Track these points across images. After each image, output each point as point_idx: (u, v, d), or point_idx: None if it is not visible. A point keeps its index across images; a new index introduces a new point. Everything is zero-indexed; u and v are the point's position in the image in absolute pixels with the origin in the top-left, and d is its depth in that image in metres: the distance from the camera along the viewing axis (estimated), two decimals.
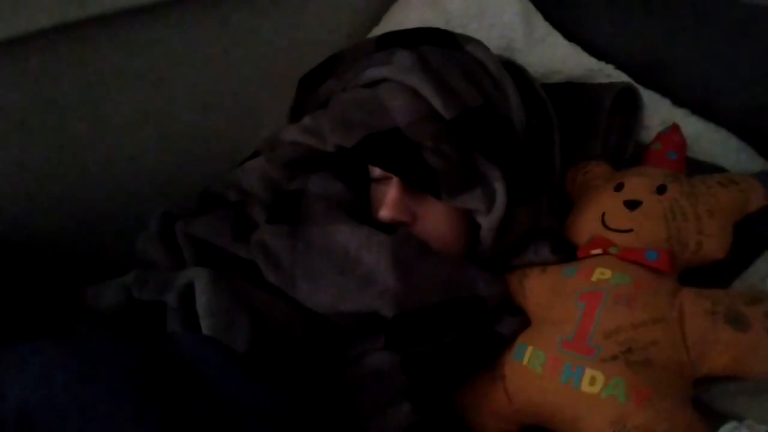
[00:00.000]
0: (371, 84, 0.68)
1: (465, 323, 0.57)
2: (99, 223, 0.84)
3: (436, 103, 0.63)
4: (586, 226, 0.64)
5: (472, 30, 0.92)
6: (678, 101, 0.78)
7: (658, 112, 0.77)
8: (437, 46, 0.69)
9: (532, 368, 0.52)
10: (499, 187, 0.61)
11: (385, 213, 0.61)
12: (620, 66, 0.82)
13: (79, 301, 0.66)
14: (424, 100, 0.64)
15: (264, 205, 0.69)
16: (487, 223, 0.61)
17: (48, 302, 0.65)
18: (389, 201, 0.61)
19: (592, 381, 0.47)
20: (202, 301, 0.55)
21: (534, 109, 0.70)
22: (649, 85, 0.80)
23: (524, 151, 0.66)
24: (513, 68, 0.72)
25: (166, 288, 0.58)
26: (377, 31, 1.00)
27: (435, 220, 0.63)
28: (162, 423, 0.37)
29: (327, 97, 0.74)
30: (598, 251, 0.58)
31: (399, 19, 0.99)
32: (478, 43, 0.71)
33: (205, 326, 0.54)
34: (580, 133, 0.76)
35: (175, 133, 0.88)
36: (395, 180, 0.62)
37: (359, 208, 0.64)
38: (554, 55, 0.87)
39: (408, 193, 0.62)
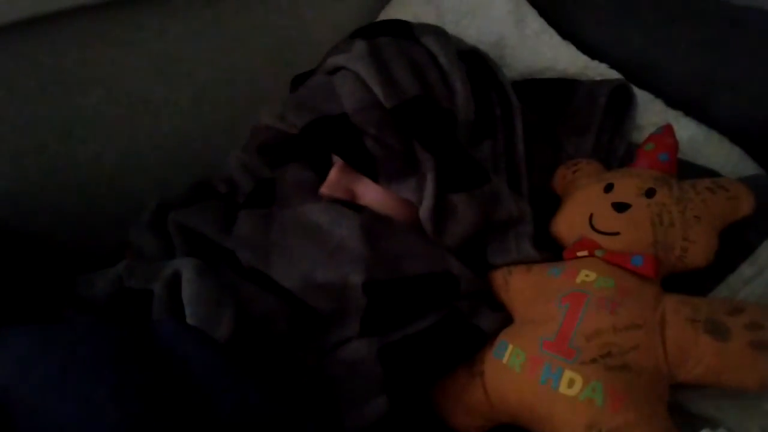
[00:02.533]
0: (334, 70, 0.71)
1: (439, 301, 0.59)
2: (93, 214, 0.85)
3: (378, 92, 0.66)
4: (573, 225, 0.64)
5: (464, 26, 0.93)
6: (671, 102, 0.78)
7: (651, 113, 0.77)
8: (393, 37, 0.71)
9: (511, 367, 0.52)
10: (430, 176, 0.64)
11: (323, 190, 0.66)
12: (614, 65, 0.82)
13: (71, 289, 0.69)
14: (371, 89, 0.66)
15: (245, 194, 0.73)
16: (420, 211, 0.64)
17: (40, 289, 0.67)
18: (328, 179, 0.67)
19: (571, 383, 0.48)
20: (187, 290, 0.56)
21: (496, 99, 0.72)
22: (642, 85, 0.80)
23: (470, 144, 0.68)
24: (475, 58, 0.73)
25: (154, 277, 0.60)
26: None
27: (375, 202, 0.67)
28: (138, 404, 0.37)
29: None
30: (584, 253, 0.59)
31: (394, 16, 0.99)
32: (437, 35, 0.72)
33: (189, 314, 0.55)
34: (573, 129, 0.76)
35: (172, 126, 0.89)
36: (338, 161, 0.68)
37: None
38: (547, 52, 0.87)
39: (350, 175, 0.67)
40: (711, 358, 0.46)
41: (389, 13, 1.01)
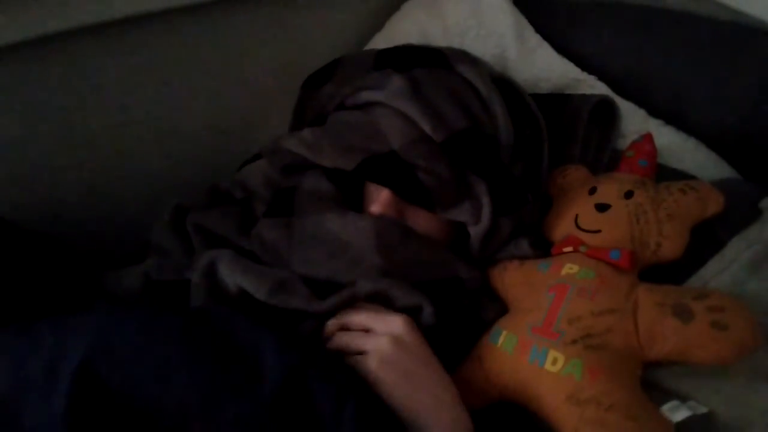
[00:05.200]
0: (366, 104, 0.74)
1: (446, 302, 0.63)
2: (115, 216, 0.90)
3: (426, 127, 0.68)
4: (561, 226, 0.71)
5: (470, 39, 0.98)
6: (653, 112, 0.84)
7: (634, 122, 0.84)
8: (428, 68, 0.74)
9: (504, 350, 0.59)
10: (486, 202, 0.68)
11: (375, 209, 0.67)
12: (602, 77, 0.89)
13: (99, 284, 0.73)
14: (416, 124, 0.69)
15: (266, 203, 0.74)
16: (474, 232, 0.68)
17: (70, 284, 0.70)
18: (382, 203, 0.67)
19: (554, 361, 0.54)
20: (237, 266, 0.60)
21: (525, 121, 0.76)
22: (627, 96, 0.86)
23: (509, 166, 0.72)
24: (504, 83, 0.77)
25: (188, 268, 0.64)
26: (379, 38, 1.06)
27: (422, 224, 0.69)
28: (206, 370, 0.44)
29: (325, 101, 0.80)
30: (570, 249, 0.65)
31: (399, 28, 1.05)
32: (469, 62, 0.75)
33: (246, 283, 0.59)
34: (562, 139, 0.83)
35: (185, 132, 0.95)
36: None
37: (345, 201, 0.70)
38: (543, 65, 0.93)
39: (403, 201, 0.68)
40: (676, 337, 0.53)
41: (394, 25, 1.05)
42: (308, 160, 0.71)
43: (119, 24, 0.78)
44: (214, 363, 0.46)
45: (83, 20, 0.74)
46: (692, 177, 0.74)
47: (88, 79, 0.81)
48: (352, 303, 0.60)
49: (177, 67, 0.89)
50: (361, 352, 0.55)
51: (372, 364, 0.53)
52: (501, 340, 0.60)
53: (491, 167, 0.70)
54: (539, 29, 0.96)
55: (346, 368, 0.54)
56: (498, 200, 0.68)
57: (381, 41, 1.04)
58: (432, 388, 0.54)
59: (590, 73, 0.90)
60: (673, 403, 0.53)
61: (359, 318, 0.58)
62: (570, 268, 0.62)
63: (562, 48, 0.93)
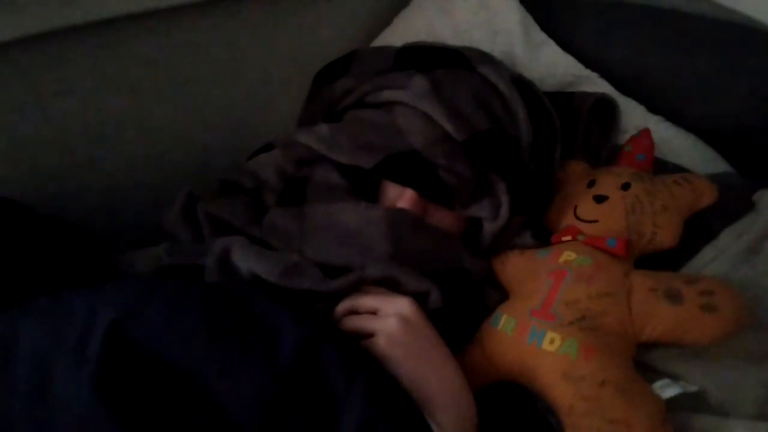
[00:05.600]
0: (387, 103, 0.76)
1: (452, 292, 0.65)
2: (127, 205, 0.93)
3: (448, 127, 0.70)
4: (561, 217, 0.74)
5: (478, 37, 1.00)
6: (653, 108, 0.87)
7: (634, 118, 0.86)
8: (449, 69, 0.75)
9: (504, 332, 0.62)
10: (505, 201, 0.70)
11: (402, 205, 0.68)
12: (604, 74, 0.91)
13: (112, 267, 0.75)
14: (438, 124, 0.71)
15: (276, 193, 0.76)
16: (489, 228, 0.71)
17: (86, 266, 0.72)
18: (407, 198, 0.69)
19: (552, 341, 0.57)
20: (249, 251, 0.63)
21: (541, 120, 0.78)
22: (628, 93, 0.89)
23: (528, 166, 0.75)
24: (522, 83, 0.78)
25: (202, 254, 0.66)
26: (388, 32, 1.07)
27: (440, 219, 0.71)
28: (227, 341, 0.48)
29: (340, 95, 0.82)
30: (568, 238, 0.68)
31: (408, 24, 1.06)
32: (489, 63, 0.77)
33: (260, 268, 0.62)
34: (564, 135, 0.85)
35: (195, 124, 0.97)
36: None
37: (355, 192, 0.71)
38: (549, 62, 0.95)
39: (425, 199, 0.70)
40: (668, 319, 0.56)
41: (404, 20, 1.07)
42: (322, 155, 0.73)
43: (134, 18, 0.81)
44: (233, 332, 0.49)
45: (101, 14, 0.77)
46: (686, 170, 0.77)
47: (101, 72, 0.84)
48: (360, 286, 0.62)
49: (188, 61, 0.91)
50: (371, 335, 0.58)
51: (381, 343, 0.56)
52: (501, 322, 0.63)
53: (512, 167, 0.72)
54: (544, 27, 0.98)
55: (357, 344, 0.57)
56: (516, 199, 0.71)
57: (390, 36, 1.06)
58: (437, 367, 0.57)
59: (593, 70, 0.93)
60: (665, 381, 0.56)
61: (367, 300, 0.61)
62: (568, 256, 0.65)
63: (565, 45, 0.96)
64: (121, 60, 0.84)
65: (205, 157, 1.00)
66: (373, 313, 0.60)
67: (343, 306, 0.62)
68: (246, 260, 0.63)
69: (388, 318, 0.57)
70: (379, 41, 1.07)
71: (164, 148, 0.96)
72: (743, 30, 0.85)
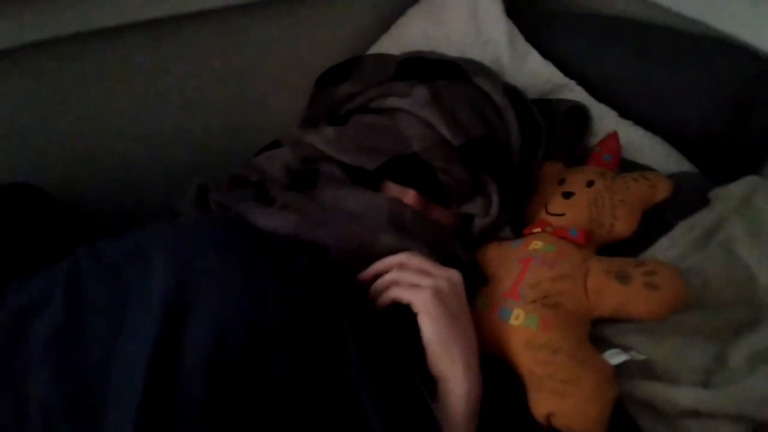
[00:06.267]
0: (390, 109, 0.83)
1: None
2: (143, 197, 1.01)
3: (446, 133, 0.77)
4: (535, 212, 0.82)
5: (470, 44, 1.08)
6: (624, 113, 0.95)
7: (607, 122, 0.94)
8: (448, 80, 0.83)
9: (481, 310, 0.70)
10: (495, 200, 0.78)
11: (408, 201, 0.75)
12: (581, 82, 0.99)
13: None
14: (436, 130, 0.78)
15: (282, 186, 0.81)
16: (480, 224, 0.79)
17: None
18: (410, 197, 0.76)
19: (517, 317, 0.65)
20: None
21: (528, 126, 0.86)
22: (602, 99, 0.97)
23: (516, 168, 0.83)
24: (513, 92, 0.86)
25: None
26: (385, 40, 1.15)
27: (439, 216, 0.79)
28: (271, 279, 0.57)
29: (342, 99, 0.89)
30: (538, 230, 0.76)
31: (404, 32, 1.13)
32: (484, 74, 0.85)
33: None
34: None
35: (204, 122, 1.06)
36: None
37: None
38: (532, 70, 1.03)
39: (425, 198, 0.78)
40: (617, 296, 0.64)
41: (400, 29, 1.13)
42: (327, 155, 0.79)
43: (152, 24, 0.89)
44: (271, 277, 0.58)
45: (117, 20, 0.86)
46: (650, 169, 0.85)
47: (117, 74, 0.92)
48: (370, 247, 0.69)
49: (198, 64, 0.99)
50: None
51: (426, 296, 0.61)
52: (479, 303, 0.72)
53: (503, 170, 0.81)
54: (528, 37, 1.07)
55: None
56: (505, 199, 0.79)
57: (387, 43, 1.14)
58: (463, 339, 0.62)
59: (571, 78, 1.01)
60: (615, 350, 0.64)
61: (419, 261, 0.66)
62: (536, 245, 0.73)
63: (546, 54, 1.04)
64: (130, 64, 0.93)
65: (206, 150, 1.08)
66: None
67: (393, 260, 0.67)
68: (262, 216, 0.70)
69: (439, 278, 0.64)
70: (376, 48, 1.15)
71: (171, 144, 1.04)
72: (708, 42, 0.93)
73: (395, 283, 0.65)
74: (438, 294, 0.62)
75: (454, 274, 0.65)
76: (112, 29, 0.86)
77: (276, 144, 0.90)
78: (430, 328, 0.61)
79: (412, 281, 0.63)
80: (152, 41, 0.92)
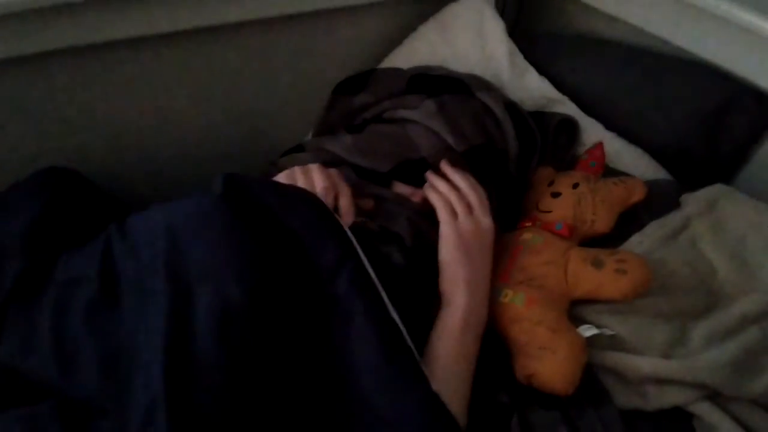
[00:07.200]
0: (402, 119, 0.93)
1: None
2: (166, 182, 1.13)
3: (450, 140, 0.87)
4: (527, 208, 0.94)
5: (474, 61, 1.19)
6: (609, 126, 1.06)
7: (593, 133, 1.06)
8: (454, 95, 0.93)
9: None
10: (492, 202, 0.84)
11: (416, 199, 0.85)
12: (572, 97, 1.11)
13: None
14: (442, 138, 0.88)
15: None
16: None
17: None
18: (419, 195, 0.85)
19: (506, 295, 0.76)
20: None
21: (525, 137, 0.97)
22: (590, 113, 1.08)
23: (513, 174, 0.93)
24: (512, 106, 0.96)
25: None
26: (396, 54, 1.25)
27: None
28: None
29: (358, 108, 1.00)
30: (529, 224, 0.88)
31: (415, 47, 1.24)
32: (486, 89, 0.95)
33: None
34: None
35: (227, 127, 1.16)
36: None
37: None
38: (529, 86, 1.14)
39: None
40: (591, 280, 0.75)
41: (410, 44, 1.24)
42: (344, 159, 0.89)
43: (202, 31, 1.00)
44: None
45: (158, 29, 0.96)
46: (629, 176, 0.96)
47: (151, 80, 1.03)
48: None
49: (222, 73, 1.09)
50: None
51: (454, 226, 0.75)
52: None
53: (500, 176, 0.92)
54: (526, 56, 1.18)
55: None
56: (500, 203, 0.89)
57: (398, 57, 1.24)
58: (471, 269, 0.73)
59: (564, 93, 1.12)
60: (588, 326, 0.75)
61: (473, 196, 0.80)
62: (526, 236, 0.84)
63: (543, 72, 1.15)
64: (166, 71, 1.03)
65: (226, 149, 1.18)
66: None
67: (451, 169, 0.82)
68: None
69: (473, 219, 0.77)
70: (388, 61, 1.25)
71: (197, 141, 1.15)
72: (685, 64, 1.03)
73: (441, 195, 0.79)
74: (463, 229, 0.75)
75: (486, 223, 0.78)
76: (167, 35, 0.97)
77: (300, 148, 1.00)
78: (445, 250, 0.74)
79: (454, 206, 0.78)
80: (200, 47, 1.03)
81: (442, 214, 0.77)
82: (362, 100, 1.01)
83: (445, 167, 0.84)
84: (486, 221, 0.78)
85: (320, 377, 0.61)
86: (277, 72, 1.16)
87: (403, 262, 0.76)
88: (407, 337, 0.63)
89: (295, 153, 0.98)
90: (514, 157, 0.93)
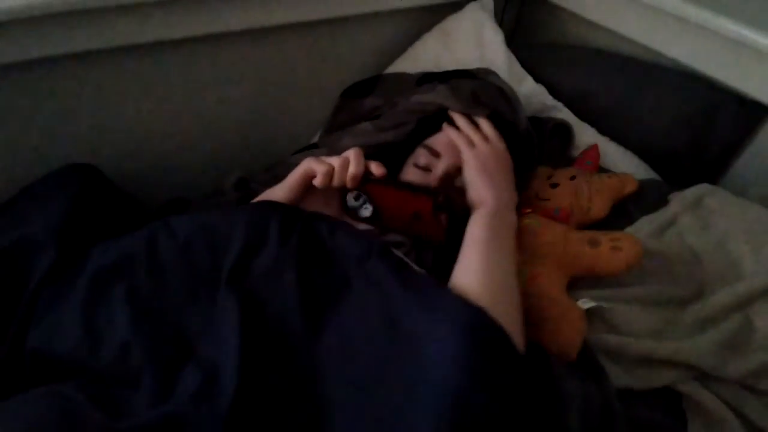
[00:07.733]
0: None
1: None
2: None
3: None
4: (529, 199, 0.99)
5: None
6: (601, 130, 1.13)
7: (587, 137, 1.13)
8: (463, 78, 0.98)
9: None
10: None
11: (433, 182, 0.88)
12: (567, 103, 1.18)
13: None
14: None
15: None
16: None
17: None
18: (435, 175, 0.88)
19: None
20: None
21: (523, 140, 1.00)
22: (584, 118, 1.15)
23: (522, 144, 0.95)
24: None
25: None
26: (401, 61, 1.28)
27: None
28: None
29: (367, 110, 1.03)
30: (529, 210, 0.93)
31: (419, 54, 1.27)
32: (496, 75, 1.02)
33: None
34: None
35: (240, 127, 1.18)
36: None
37: None
38: (526, 92, 1.20)
39: None
40: (588, 257, 0.80)
41: (414, 51, 1.28)
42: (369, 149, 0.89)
43: (210, 38, 1.01)
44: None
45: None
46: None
47: (169, 85, 1.04)
48: None
49: (242, 77, 1.11)
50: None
51: (472, 151, 0.82)
52: None
53: (510, 145, 0.89)
54: (524, 64, 1.24)
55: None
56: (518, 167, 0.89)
57: (401, 64, 1.28)
58: (493, 180, 0.81)
59: (559, 100, 1.19)
60: (586, 300, 0.80)
61: (487, 130, 0.87)
62: (527, 221, 0.90)
63: (539, 79, 1.22)
64: (194, 73, 1.05)
65: (233, 149, 1.20)
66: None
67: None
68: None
69: (486, 145, 0.84)
70: (393, 67, 1.29)
71: (220, 144, 1.17)
72: (674, 73, 1.10)
73: (461, 132, 0.86)
74: (482, 153, 0.83)
75: (502, 147, 0.86)
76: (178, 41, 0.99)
77: (313, 147, 1.04)
78: (468, 173, 0.82)
79: (471, 137, 0.86)
80: (210, 53, 1.05)
81: (462, 146, 0.84)
82: (372, 103, 1.05)
83: (457, 116, 0.89)
84: (501, 146, 0.85)
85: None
86: (289, 76, 1.18)
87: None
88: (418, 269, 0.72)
89: (307, 150, 1.02)
90: (524, 131, 0.96)
